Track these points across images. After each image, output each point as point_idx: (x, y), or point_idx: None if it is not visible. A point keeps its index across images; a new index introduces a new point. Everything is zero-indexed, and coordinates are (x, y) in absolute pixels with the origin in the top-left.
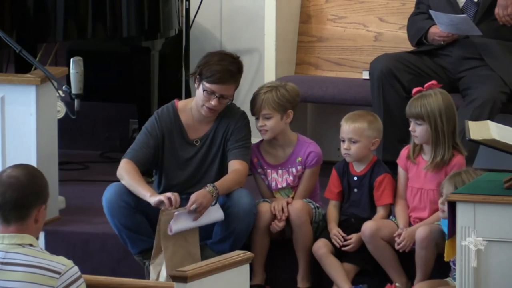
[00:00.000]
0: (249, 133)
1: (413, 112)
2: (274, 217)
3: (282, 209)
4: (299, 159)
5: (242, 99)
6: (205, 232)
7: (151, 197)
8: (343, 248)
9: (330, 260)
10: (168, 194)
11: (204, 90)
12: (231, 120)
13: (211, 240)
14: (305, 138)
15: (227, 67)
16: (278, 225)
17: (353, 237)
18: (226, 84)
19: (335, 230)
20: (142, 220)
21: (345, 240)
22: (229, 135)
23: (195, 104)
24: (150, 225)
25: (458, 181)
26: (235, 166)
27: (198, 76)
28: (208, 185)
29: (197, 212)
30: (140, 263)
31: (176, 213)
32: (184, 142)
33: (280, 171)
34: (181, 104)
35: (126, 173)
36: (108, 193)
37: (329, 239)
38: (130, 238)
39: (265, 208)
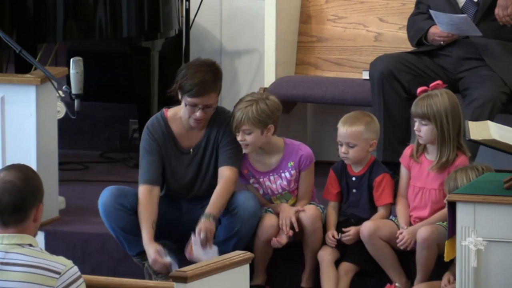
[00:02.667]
0: None
1: (419, 112)
2: (279, 230)
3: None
4: (291, 163)
5: None
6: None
7: (147, 245)
8: (342, 239)
9: (329, 271)
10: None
11: (186, 104)
12: (221, 124)
13: (214, 241)
14: (292, 141)
15: (203, 78)
16: (280, 242)
17: (351, 229)
18: (206, 95)
19: (329, 233)
20: (138, 222)
21: (344, 233)
22: (220, 138)
23: (183, 114)
24: None
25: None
26: (224, 173)
27: (179, 90)
28: (205, 215)
29: (207, 239)
30: (139, 264)
31: (193, 239)
32: (178, 152)
33: (272, 177)
34: (170, 113)
35: (139, 206)
36: (104, 197)
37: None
38: (127, 241)
39: (270, 221)
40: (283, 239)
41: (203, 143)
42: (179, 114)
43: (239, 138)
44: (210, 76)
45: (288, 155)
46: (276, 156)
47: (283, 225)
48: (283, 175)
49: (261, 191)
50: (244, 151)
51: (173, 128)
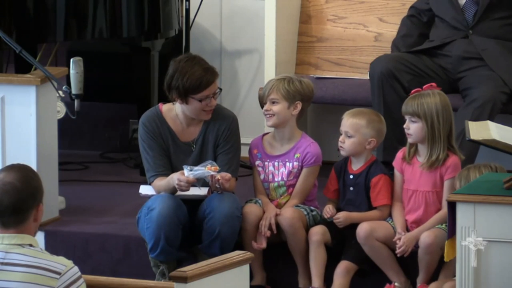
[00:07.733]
0: (238, 139)
1: (409, 109)
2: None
3: (270, 225)
4: (298, 155)
5: (242, 100)
6: (196, 237)
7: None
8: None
9: (319, 251)
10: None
11: (200, 101)
12: (222, 123)
13: (201, 245)
14: (308, 137)
15: (203, 68)
16: (259, 246)
17: (341, 215)
18: (214, 81)
19: (326, 207)
20: (181, 236)
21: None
22: (220, 139)
23: (182, 113)
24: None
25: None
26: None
27: (180, 96)
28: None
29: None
30: (154, 264)
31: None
32: (176, 145)
33: (276, 164)
34: (165, 108)
35: (160, 187)
36: (164, 207)
37: (328, 227)
38: (163, 249)
39: (249, 209)
40: (262, 243)
41: (201, 138)
42: (174, 111)
43: (265, 108)
44: (204, 63)
45: (299, 147)
46: (288, 144)
47: (262, 226)
48: (287, 164)
49: (262, 176)
50: (267, 123)
51: (169, 123)
